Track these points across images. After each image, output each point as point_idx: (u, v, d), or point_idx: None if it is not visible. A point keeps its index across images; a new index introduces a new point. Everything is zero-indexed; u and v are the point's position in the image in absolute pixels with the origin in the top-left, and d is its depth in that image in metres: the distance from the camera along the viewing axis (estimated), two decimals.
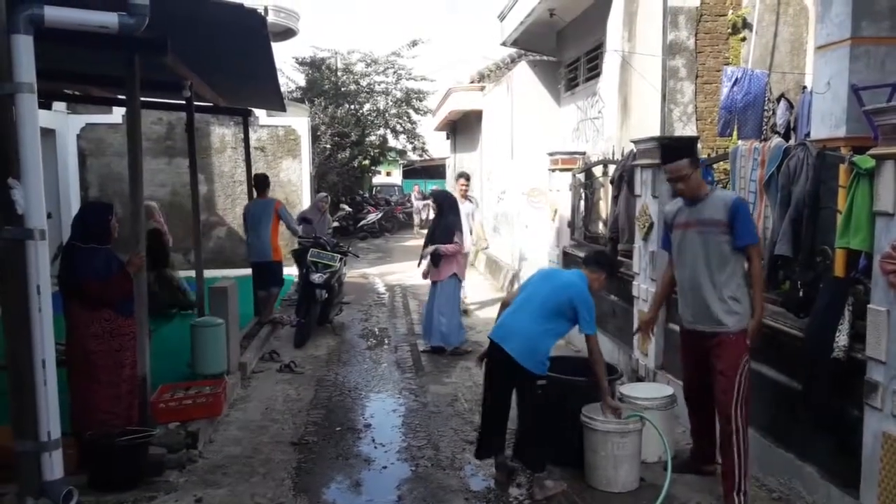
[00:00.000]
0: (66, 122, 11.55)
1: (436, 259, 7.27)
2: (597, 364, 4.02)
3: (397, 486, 4.20)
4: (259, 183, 8.25)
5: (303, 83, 20.54)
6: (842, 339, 3.41)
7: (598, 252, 5.27)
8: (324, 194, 9.93)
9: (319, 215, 9.14)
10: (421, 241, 8.16)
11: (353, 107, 20.41)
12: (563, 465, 4.26)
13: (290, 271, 12.01)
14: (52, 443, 2.95)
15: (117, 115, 11.20)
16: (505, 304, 4.31)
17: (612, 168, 6.97)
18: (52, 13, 2.89)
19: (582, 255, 7.27)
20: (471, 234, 9.05)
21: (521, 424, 4.16)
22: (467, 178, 9.48)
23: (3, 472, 3.48)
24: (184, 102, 6.37)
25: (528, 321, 3.99)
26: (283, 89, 9.45)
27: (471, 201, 9.45)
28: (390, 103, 21.31)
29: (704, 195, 3.82)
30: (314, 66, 20.47)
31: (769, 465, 4.03)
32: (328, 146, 18.82)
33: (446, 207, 7.46)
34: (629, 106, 7.78)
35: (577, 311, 3.97)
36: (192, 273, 7.10)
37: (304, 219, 8.96)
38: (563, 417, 4.18)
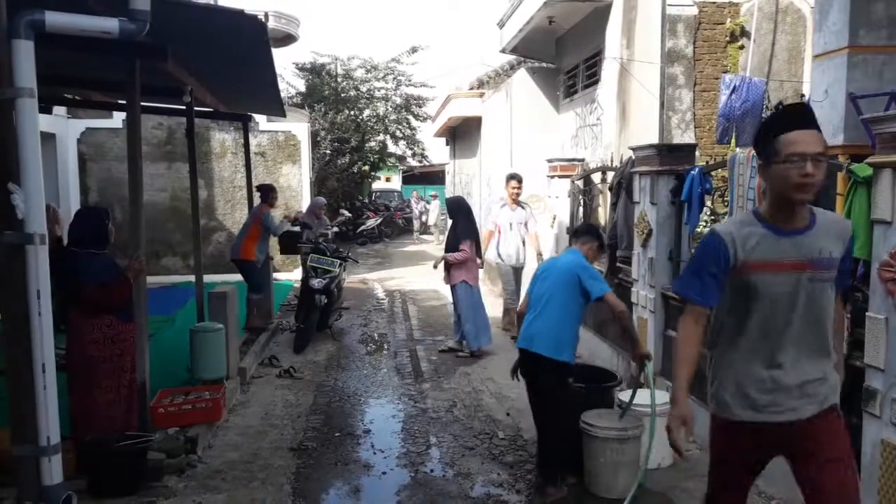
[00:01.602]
0: (66, 127, 11.56)
1: (447, 265, 7.42)
2: (622, 318, 3.98)
3: (396, 492, 4.20)
4: (257, 190, 8.41)
5: (303, 89, 20.59)
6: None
7: (585, 224, 5.32)
8: (320, 198, 9.92)
9: (316, 220, 9.15)
10: (420, 247, 8.20)
11: (352, 112, 20.46)
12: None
13: (288, 276, 12.08)
14: (52, 448, 2.94)
15: (117, 119, 11.22)
16: (521, 315, 4.33)
17: (610, 175, 6.99)
18: (53, 18, 2.89)
19: None
20: (524, 245, 7.84)
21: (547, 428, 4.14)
22: (519, 180, 7.88)
23: (3, 477, 3.48)
24: (184, 107, 6.38)
25: (547, 317, 4.04)
26: (283, 95, 9.45)
27: (523, 207, 7.91)
28: (390, 109, 21.36)
29: (811, 214, 2.39)
30: (314, 72, 20.51)
31: (769, 473, 4.00)
32: (328, 152, 18.85)
33: (455, 214, 7.58)
34: (628, 113, 7.80)
35: (582, 281, 3.99)
36: (192, 278, 7.10)
37: (302, 224, 8.96)
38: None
